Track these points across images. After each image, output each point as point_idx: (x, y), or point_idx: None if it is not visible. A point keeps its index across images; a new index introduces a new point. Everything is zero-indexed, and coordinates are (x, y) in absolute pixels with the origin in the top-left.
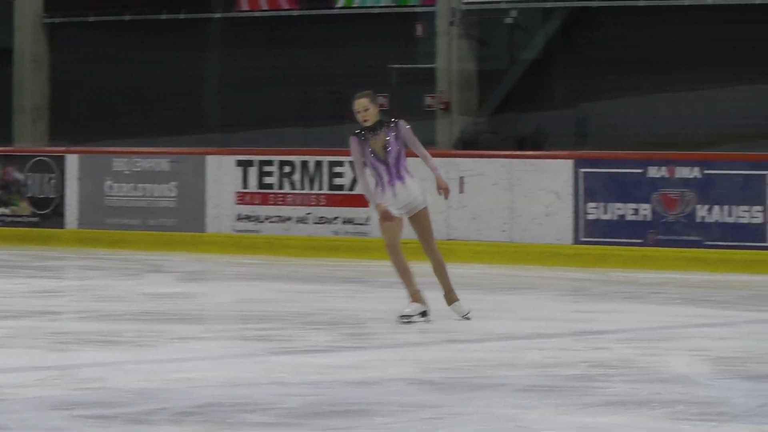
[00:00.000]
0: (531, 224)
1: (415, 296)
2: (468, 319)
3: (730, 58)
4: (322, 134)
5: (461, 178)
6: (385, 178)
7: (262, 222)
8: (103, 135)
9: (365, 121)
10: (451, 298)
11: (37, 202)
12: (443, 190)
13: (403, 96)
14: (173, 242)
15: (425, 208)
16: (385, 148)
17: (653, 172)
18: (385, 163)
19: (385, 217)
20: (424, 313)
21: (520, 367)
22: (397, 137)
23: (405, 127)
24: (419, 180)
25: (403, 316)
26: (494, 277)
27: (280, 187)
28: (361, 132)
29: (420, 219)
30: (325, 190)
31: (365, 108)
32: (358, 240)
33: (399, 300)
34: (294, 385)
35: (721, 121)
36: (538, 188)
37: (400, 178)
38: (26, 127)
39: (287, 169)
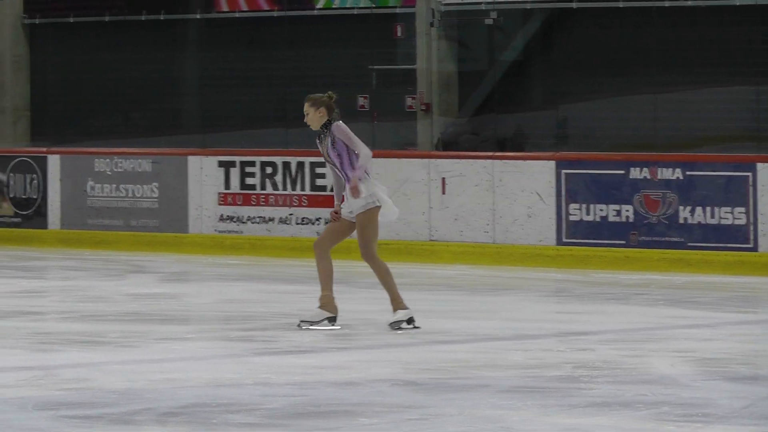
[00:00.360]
0: (513, 225)
1: (326, 301)
2: (399, 329)
3: (709, 60)
4: (302, 135)
5: (443, 179)
6: (341, 181)
7: (244, 223)
8: (84, 135)
9: (309, 125)
10: (399, 304)
11: (19, 203)
12: (352, 189)
13: (384, 97)
14: (156, 243)
15: (364, 212)
16: (329, 155)
17: (635, 173)
18: (335, 167)
19: (332, 218)
20: (332, 320)
21: (504, 368)
22: (334, 142)
23: (338, 128)
24: (371, 183)
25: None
26: (477, 278)
27: (263, 188)
28: (318, 135)
29: (357, 224)
30: (308, 191)
31: (306, 112)
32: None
33: (383, 300)
34: (278, 386)
35: (700, 123)
36: (519, 189)
37: (348, 181)
38: (7, 128)
39: (269, 170)
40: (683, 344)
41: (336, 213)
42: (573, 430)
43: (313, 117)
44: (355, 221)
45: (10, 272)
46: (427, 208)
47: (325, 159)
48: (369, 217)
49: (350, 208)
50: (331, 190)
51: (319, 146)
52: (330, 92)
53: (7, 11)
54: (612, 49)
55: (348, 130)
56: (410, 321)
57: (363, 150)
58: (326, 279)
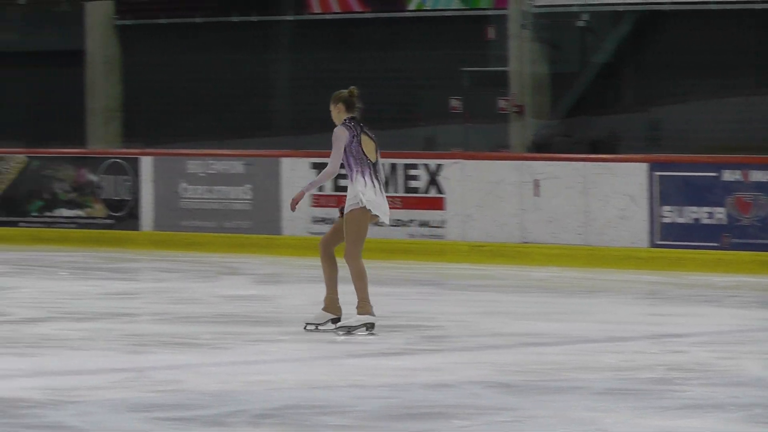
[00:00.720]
0: (606, 227)
1: (329, 302)
2: (339, 334)
3: None
4: (395, 137)
5: (536, 180)
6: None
7: None
8: (176, 137)
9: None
10: (363, 308)
11: (111, 204)
12: (293, 199)
13: (476, 99)
14: (248, 245)
15: (350, 212)
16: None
17: (727, 175)
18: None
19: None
20: (335, 320)
21: (597, 371)
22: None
23: (334, 132)
24: (361, 185)
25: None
26: (570, 281)
27: None
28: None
29: (344, 221)
30: (401, 193)
31: (330, 110)
32: (433, 243)
33: (475, 303)
34: (371, 388)
35: None
36: (612, 191)
37: (351, 177)
38: (99, 129)
39: None
40: None
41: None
42: None
43: (333, 112)
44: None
45: (103, 274)
46: (519, 210)
47: None
48: (352, 216)
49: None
50: (425, 192)
51: None
52: (352, 87)
53: (98, 13)
54: (704, 51)
55: (339, 138)
56: (368, 327)
57: (329, 166)
58: (330, 280)
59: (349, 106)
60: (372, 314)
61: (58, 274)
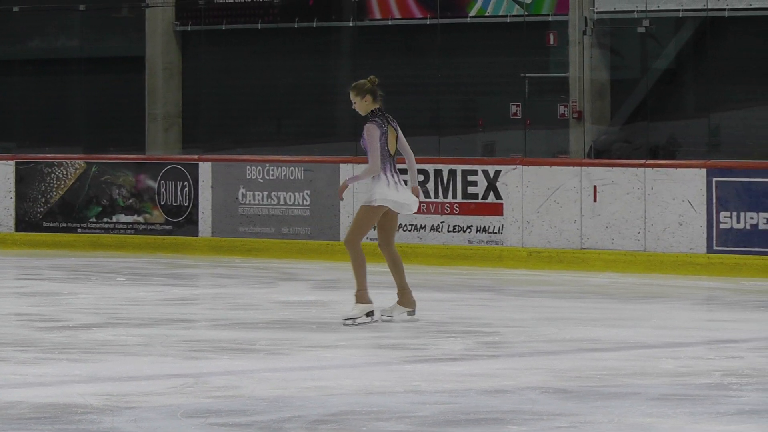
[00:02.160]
0: (664, 233)
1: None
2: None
3: None
4: (455, 143)
5: (595, 186)
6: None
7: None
8: (235, 143)
9: (358, 111)
10: (361, 296)
11: (170, 210)
12: (339, 188)
13: (536, 105)
14: (307, 250)
15: (364, 205)
16: (362, 140)
17: None
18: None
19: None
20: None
21: (654, 376)
22: (362, 138)
23: (367, 130)
24: (375, 180)
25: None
26: (628, 286)
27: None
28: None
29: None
30: (459, 199)
31: (352, 101)
32: (491, 249)
33: (533, 308)
34: (428, 393)
35: None
36: (671, 197)
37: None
38: (158, 135)
39: (421, 177)
40: None
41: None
42: None
43: (360, 105)
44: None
45: (161, 279)
46: (578, 215)
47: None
48: (364, 211)
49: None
50: (482, 198)
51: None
52: (372, 76)
53: (159, 18)
54: (764, 57)
55: (373, 136)
56: (369, 314)
57: (371, 164)
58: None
59: (375, 96)
60: (370, 302)
61: (116, 280)
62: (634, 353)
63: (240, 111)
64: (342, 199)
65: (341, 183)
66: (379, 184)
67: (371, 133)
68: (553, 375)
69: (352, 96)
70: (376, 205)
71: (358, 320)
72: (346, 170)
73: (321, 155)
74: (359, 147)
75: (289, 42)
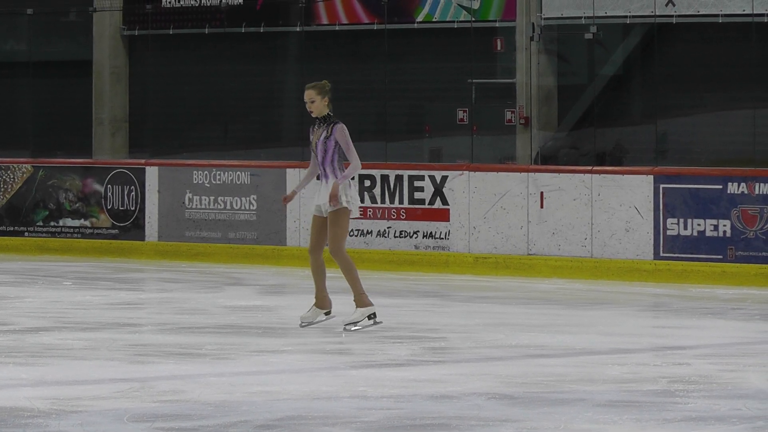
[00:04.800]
0: (611, 240)
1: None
2: (351, 330)
3: None
4: (401, 148)
5: (541, 193)
6: (319, 171)
7: None
8: (182, 147)
9: (311, 112)
10: (359, 301)
11: (116, 215)
12: (330, 196)
13: (483, 111)
14: (253, 255)
15: (337, 210)
16: (316, 145)
17: (733, 188)
18: (317, 157)
19: (283, 200)
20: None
21: (600, 383)
22: (328, 138)
23: (340, 132)
24: (346, 184)
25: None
26: (574, 292)
27: (361, 201)
28: (314, 121)
29: (329, 220)
30: (406, 204)
31: (311, 99)
32: (437, 254)
33: (479, 314)
34: (374, 399)
35: None
36: (618, 204)
37: (326, 176)
38: (105, 139)
39: (367, 182)
40: None
41: (286, 198)
42: None
43: (320, 105)
44: (327, 217)
45: (108, 284)
46: (525, 221)
47: (311, 146)
48: (339, 216)
49: (321, 201)
50: (429, 204)
51: (311, 133)
52: (325, 80)
53: (106, 23)
54: (711, 64)
55: (348, 136)
56: (371, 317)
57: (355, 161)
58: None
59: (330, 99)
60: (371, 304)
61: (63, 284)
62: (580, 359)
63: (187, 115)
64: (338, 205)
65: (332, 189)
66: (348, 189)
67: (345, 131)
68: (500, 381)
69: (312, 94)
70: (349, 207)
71: (360, 323)
72: (293, 175)
73: (268, 160)
74: (305, 152)
75: (236, 47)
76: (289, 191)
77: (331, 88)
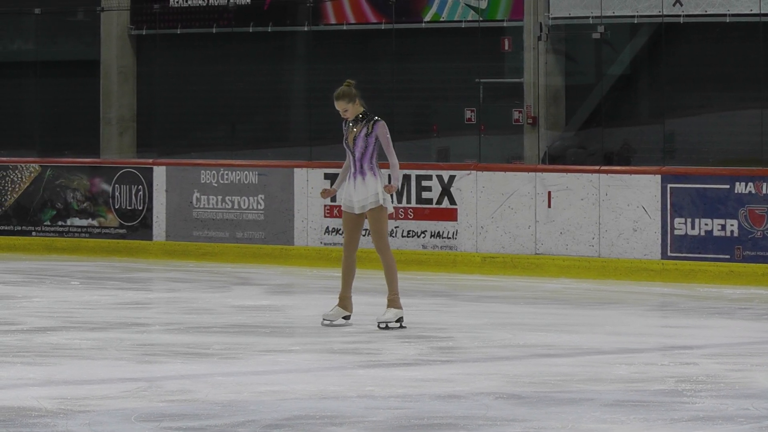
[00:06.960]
0: (618, 239)
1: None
2: (386, 328)
3: None
4: (409, 148)
5: (549, 192)
6: (352, 169)
7: None
8: (190, 147)
9: (346, 118)
10: (392, 302)
11: (124, 214)
12: (388, 187)
13: (491, 110)
14: (261, 255)
15: (377, 208)
16: (354, 140)
17: (740, 188)
18: (352, 154)
19: (321, 194)
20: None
21: (608, 382)
22: (369, 134)
23: (382, 128)
24: (380, 182)
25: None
26: (582, 292)
27: None
28: (346, 121)
29: (370, 218)
30: (413, 204)
31: (344, 109)
32: (445, 254)
33: (487, 314)
34: (382, 399)
35: None
36: (625, 203)
37: (363, 173)
38: (113, 139)
39: None
40: None
41: (327, 191)
42: None
43: (353, 109)
44: (368, 214)
45: (115, 284)
46: (533, 221)
47: (346, 143)
48: (378, 212)
49: (363, 202)
50: (437, 203)
51: (344, 129)
52: (348, 80)
53: (113, 22)
54: (719, 64)
55: (389, 133)
56: (399, 320)
57: (394, 158)
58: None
59: (359, 96)
60: (402, 308)
61: (71, 283)
62: (588, 359)
63: (194, 115)
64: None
65: (388, 187)
66: (379, 184)
67: (385, 131)
68: (507, 380)
69: (342, 104)
70: (384, 205)
71: (390, 325)
72: (301, 174)
73: (275, 160)
74: (313, 152)
75: (244, 46)
76: (296, 191)
77: (355, 84)
